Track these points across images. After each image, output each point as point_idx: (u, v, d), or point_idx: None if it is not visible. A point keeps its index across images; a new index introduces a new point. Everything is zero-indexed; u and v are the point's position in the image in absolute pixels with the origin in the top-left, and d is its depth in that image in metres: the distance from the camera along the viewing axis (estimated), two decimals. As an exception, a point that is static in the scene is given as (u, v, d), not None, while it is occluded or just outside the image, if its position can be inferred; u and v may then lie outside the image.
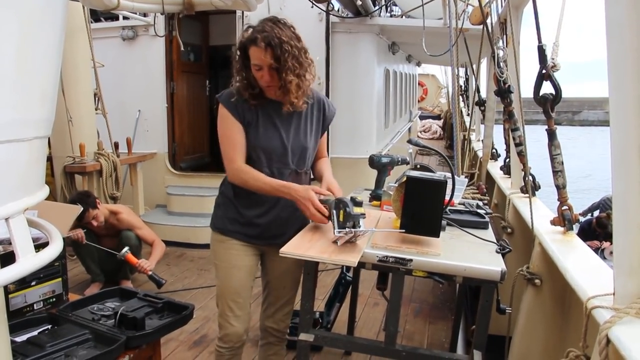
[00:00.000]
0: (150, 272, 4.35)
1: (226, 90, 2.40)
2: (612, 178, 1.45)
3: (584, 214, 7.23)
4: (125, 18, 6.76)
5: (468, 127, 7.59)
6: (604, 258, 4.90)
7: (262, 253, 2.58)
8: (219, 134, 2.39)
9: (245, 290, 2.50)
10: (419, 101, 20.42)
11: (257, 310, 2.74)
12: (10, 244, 1.09)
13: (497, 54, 3.33)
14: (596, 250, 5.05)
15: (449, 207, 2.46)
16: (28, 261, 1.08)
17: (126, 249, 4.35)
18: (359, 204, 2.09)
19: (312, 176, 2.59)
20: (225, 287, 2.49)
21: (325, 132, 2.57)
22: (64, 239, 1.28)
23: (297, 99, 2.28)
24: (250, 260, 2.50)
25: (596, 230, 5.74)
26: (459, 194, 2.92)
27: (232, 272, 2.47)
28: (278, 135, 2.36)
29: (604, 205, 6.97)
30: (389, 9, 9.06)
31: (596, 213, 6.96)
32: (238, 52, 2.29)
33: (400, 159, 2.90)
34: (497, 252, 2.11)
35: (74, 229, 4.41)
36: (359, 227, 2.02)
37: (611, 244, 5.04)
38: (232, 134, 2.34)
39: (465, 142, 6.96)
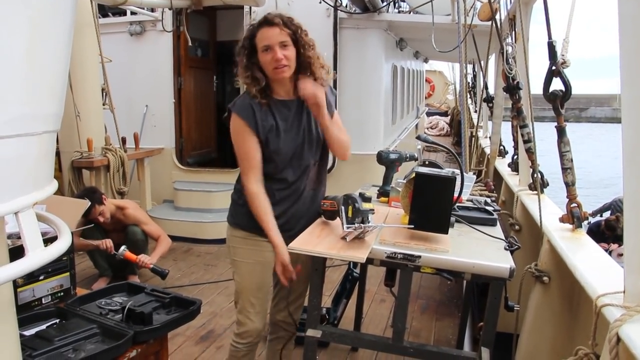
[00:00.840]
0: (151, 266, 4.37)
1: (239, 100, 2.37)
2: (624, 176, 1.43)
3: (594, 214, 7.16)
4: (132, 13, 6.77)
5: (476, 123, 7.57)
6: None
7: None
8: (235, 146, 2.37)
9: (266, 285, 2.52)
10: (426, 98, 20.35)
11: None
12: (19, 238, 1.09)
13: (506, 50, 3.31)
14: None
15: (457, 204, 2.45)
16: (37, 255, 1.08)
17: (123, 247, 4.37)
18: (367, 199, 2.09)
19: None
20: (248, 282, 2.48)
21: (337, 118, 2.48)
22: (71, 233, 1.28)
23: (323, 74, 2.31)
24: (270, 256, 2.45)
25: (605, 232, 5.69)
26: (467, 190, 2.91)
27: (255, 267, 2.47)
28: (299, 136, 2.36)
29: (615, 206, 6.90)
30: (397, 4, 9.01)
31: (606, 214, 6.87)
32: (243, 46, 2.28)
33: (408, 155, 2.89)
34: (505, 249, 2.11)
35: (81, 225, 4.43)
36: (368, 222, 2.01)
37: (619, 245, 5.04)
38: (248, 150, 2.32)
39: (473, 138, 6.94)
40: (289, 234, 2.31)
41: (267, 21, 2.20)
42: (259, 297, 2.48)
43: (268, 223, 2.32)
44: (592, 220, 6.22)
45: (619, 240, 5.36)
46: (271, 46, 2.20)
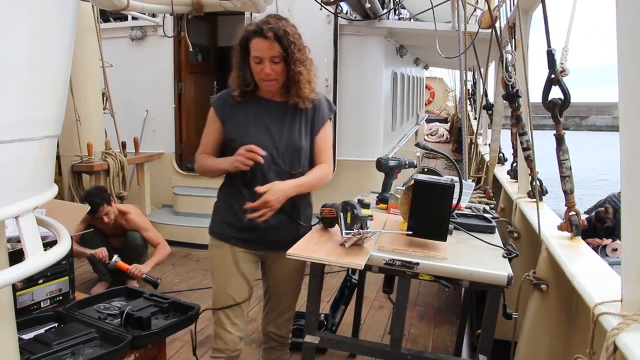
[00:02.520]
0: (143, 276, 4.36)
1: (221, 92, 2.46)
2: (622, 185, 1.44)
3: (589, 211, 7.15)
4: (134, 18, 6.79)
5: (475, 131, 7.58)
6: (605, 255, 4.85)
7: (263, 260, 2.55)
8: None
9: (242, 298, 2.46)
10: (426, 104, 20.37)
11: (259, 313, 2.74)
12: (19, 242, 1.10)
13: (506, 58, 3.32)
14: (596, 248, 4.99)
15: (456, 211, 2.45)
16: (37, 259, 1.08)
17: (115, 257, 4.38)
18: (366, 206, 2.09)
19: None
20: (222, 294, 2.46)
21: (323, 135, 2.45)
22: (71, 237, 1.28)
23: (307, 92, 2.29)
24: (248, 267, 2.46)
25: (596, 226, 5.68)
26: (466, 198, 2.92)
27: (229, 279, 2.44)
28: (268, 135, 2.33)
29: (610, 202, 6.89)
30: (397, 12, 9.04)
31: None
32: (239, 45, 2.30)
33: (407, 162, 2.89)
34: (503, 256, 2.11)
35: (85, 222, 4.43)
36: (367, 228, 2.01)
37: (612, 240, 5.03)
38: (207, 134, 2.46)
39: (472, 146, 6.95)
40: (278, 247, 2.33)
41: (261, 32, 2.19)
42: (235, 309, 2.44)
43: (216, 162, 2.40)
44: (586, 217, 6.21)
45: (610, 233, 5.37)
46: (262, 59, 2.22)
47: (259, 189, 2.20)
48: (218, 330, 2.48)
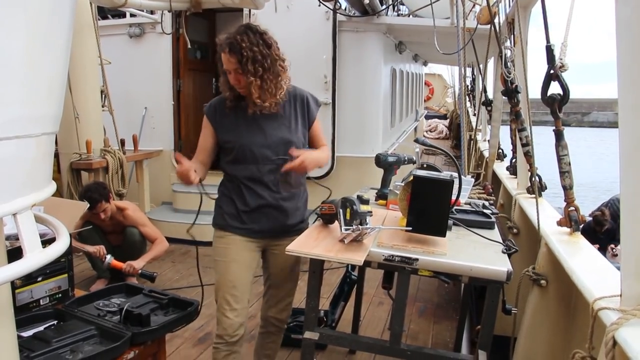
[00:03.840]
0: (139, 271, 4.36)
1: (213, 100, 2.61)
2: (621, 181, 1.44)
3: (590, 215, 7.15)
4: (132, 15, 6.76)
5: (474, 127, 7.58)
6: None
7: (264, 249, 2.64)
8: None
9: (242, 284, 2.54)
10: (425, 100, 20.35)
11: (259, 310, 2.75)
12: (17, 239, 1.09)
13: (505, 54, 3.32)
14: None
15: (455, 207, 2.45)
16: (35, 257, 1.08)
17: (109, 257, 4.37)
18: (365, 202, 2.09)
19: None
20: (223, 280, 2.55)
21: (317, 125, 2.63)
22: (70, 234, 1.28)
23: (259, 99, 2.40)
24: (249, 255, 2.57)
25: (596, 230, 5.68)
26: (465, 193, 2.92)
27: (230, 265, 2.54)
28: (261, 133, 2.47)
29: (612, 205, 6.89)
30: (396, 8, 9.02)
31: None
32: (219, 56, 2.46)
33: (406, 158, 2.89)
34: (503, 252, 2.11)
35: (84, 218, 4.42)
36: (366, 224, 2.01)
37: (615, 246, 5.03)
38: (201, 139, 2.60)
39: (471, 142, 6.94)
40: (279, 235, 2.54)
41: (220, 46, 2.40)
42: (235, 294, 2.52)
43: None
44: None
45: (611, 238, 5.37)
46: (230, 71, 2.39)
47: (294, 152, 2.40)
48: (218, 316, 2.55)
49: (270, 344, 2.84)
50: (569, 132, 2.60)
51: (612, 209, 6.77)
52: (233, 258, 2.53)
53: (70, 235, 1.34)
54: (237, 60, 2.34)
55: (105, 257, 4.37)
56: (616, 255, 4.92)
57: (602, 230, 5.44)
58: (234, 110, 2.50)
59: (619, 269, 1.84)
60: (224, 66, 2.41)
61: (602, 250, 5.02)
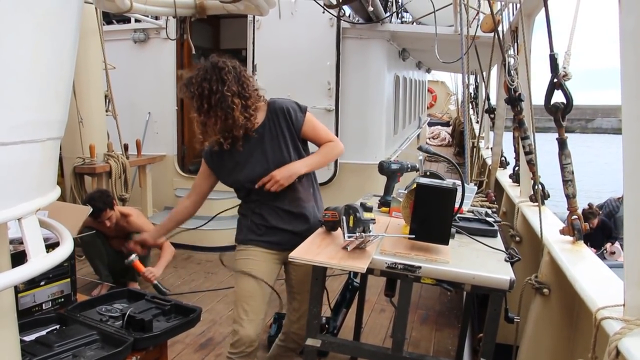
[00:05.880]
0: (155, 282, 4.35)
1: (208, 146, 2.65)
2: (624, 188, 1.44)
3: None
4: (137, 21, 6.79)
5: (477, 134, 7.57)
6: (603, 259, 4.84)
7: (285, 262, 2.65)
8: None
9: (259, 294, 2.54)
10: (428, 108, 20.37)
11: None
12: (21, 243, 1.10)
13: (508, 62, 3.32)
14: None
15: (458, 215, 2.45)
16: (39, 261, 1.08)
17: (134, 255, 4.34)
18: (368, 209, 2.09)
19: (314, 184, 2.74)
20: (241, 290, 2.55)
21: (310, 127, 2.61)
22: (73, 239, 1.28)
23: (200, 136, 2.55)
24: (267, 267, 2.58)
25: (591, 229, 5.68)
26: (468, 201, 2.92)
27: (249, 277, 2.54)
28: (259, 162, 2.51)
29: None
30: (400, 15, 9.05)
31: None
32: None
33: (409, 165, 2.89)
34: (506, 260, 2.10)
35: (88, 225, 4.42)
36: (369, 232, 2.01)
37: (612, 244, 5.02)
38: (197, 179, 2.74)
39: (474, 149, 6.94)
40: (274, 240, 2.59)
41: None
42: (251, 304, 2.51)
43: (162, 224, 2.89)
44: None
45: (608, 235, 5.37)
46: None
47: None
48: (235, 327, 2.53)
49: (285, 358, 2.83)
50: (572, 139, 2.59)
51: (607, 208, 6.77)
52: (252, 267, 2.55)
53: (74, 240, 1.34)
54: (189, 97, 2.52)
55: (131, 255, 4.36)
56: (613, 252, 4.91)
57: (596, 223, 5.43)
58: (228, 150, 2.53)
59: (614, 266, 1.83)
60: None
61: (595, 245, 5.02)
